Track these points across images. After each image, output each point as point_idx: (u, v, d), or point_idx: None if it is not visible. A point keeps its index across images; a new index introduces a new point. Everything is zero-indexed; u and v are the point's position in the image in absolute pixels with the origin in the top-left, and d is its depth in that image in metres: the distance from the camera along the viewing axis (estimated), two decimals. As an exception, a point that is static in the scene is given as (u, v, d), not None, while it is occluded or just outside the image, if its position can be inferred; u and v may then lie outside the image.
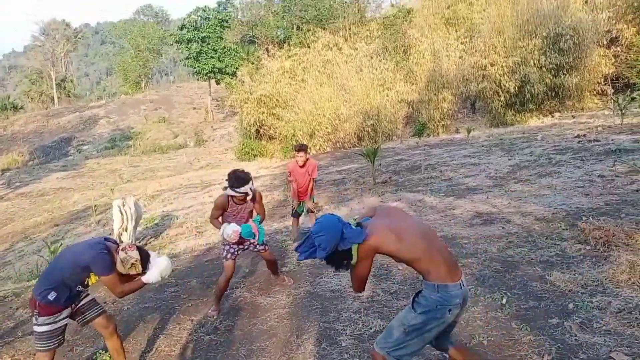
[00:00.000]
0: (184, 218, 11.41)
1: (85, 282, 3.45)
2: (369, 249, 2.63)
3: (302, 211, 7.16)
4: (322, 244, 2.59)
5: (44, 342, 3.38)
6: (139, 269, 3.41)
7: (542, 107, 21.66)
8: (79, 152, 37.21)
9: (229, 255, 4.97)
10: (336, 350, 3.97)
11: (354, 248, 2.61)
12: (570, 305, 4.09)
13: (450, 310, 2.57)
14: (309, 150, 7.24)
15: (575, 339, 3.59)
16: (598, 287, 4.33)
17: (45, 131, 43.62)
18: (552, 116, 20.96)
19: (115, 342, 3.68)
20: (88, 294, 3.63)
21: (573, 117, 19.29)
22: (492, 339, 3.80)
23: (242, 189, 4.63)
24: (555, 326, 3.82)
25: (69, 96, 63.30)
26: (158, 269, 3.49)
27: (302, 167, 6.73)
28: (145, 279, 3.47)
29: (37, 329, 3.37)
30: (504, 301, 4.37)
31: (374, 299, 4.88)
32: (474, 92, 22.27)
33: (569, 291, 4.37)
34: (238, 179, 4.63)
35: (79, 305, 3.55)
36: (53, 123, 45.63)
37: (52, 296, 3.32)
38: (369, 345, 3.96)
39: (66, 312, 3.46)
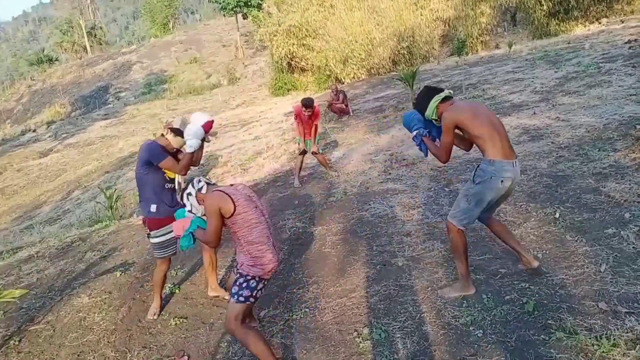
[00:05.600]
0: (227, 157, 11.63)
1: (166, 178, 4.09)
2: (450, 120, 3.25)
3: (309, 147, 7.42)
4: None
5: (159, 251, 4.14)
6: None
7: (588, 13, 20.27)
8: (118, 100, 37.84)
9: None
10: (392, 270, 4.10)
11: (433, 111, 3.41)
12: (627, 215, 4.05)
13: (502, 181, 3.17)
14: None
15: (633, 247, 3.57)
16: (656, 195, 4.25)
17: (83, 81, 44.35)
18: (599, 23, 19.65)
19: (210, 256, 4.31)
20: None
21: (622, 21, 18.04)
22: (547, 252, 3.83)
23: None
24: (611, 236, 3.81)
25: (101, 44, 63.64)
26: (187, 134, 3.94)
27: (309, 116, 7.18)
28: (187, 146, 3.96)
29: (152, 240, 4.12)
30: (557, 215, 4.35)
31: (423, 222, 4.95)
32: (513, 2, 21.01)
33: (625, 201, 4.31)
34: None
35: None
36: (89, 72, 46.27)
37: (152, 208, 4.02)
38: (424, 265, 4.08)
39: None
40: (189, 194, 3.33)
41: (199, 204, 3.32)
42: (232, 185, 3.33)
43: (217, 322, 4.01)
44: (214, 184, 3.43)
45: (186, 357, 3.60)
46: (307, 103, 7.06)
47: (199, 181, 3.35)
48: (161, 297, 4.37)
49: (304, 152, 7.47)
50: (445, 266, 3.97)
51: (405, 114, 3.63)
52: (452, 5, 21.57)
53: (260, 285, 3.21)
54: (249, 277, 3.15)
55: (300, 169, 7.55)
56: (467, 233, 4.18)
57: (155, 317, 4.25)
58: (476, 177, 3.24)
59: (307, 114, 7.12)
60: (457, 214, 3.33)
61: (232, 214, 3.11)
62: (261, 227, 3.20)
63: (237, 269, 3.24)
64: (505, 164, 3.14)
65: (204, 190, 3.30)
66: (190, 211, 3.34)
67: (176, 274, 5.07)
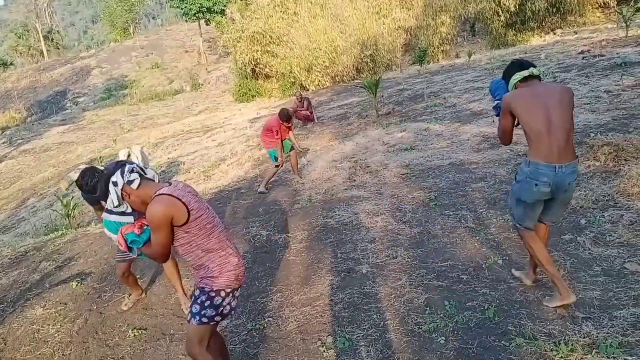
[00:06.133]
0: (190, 164, 11.45)
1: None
2: (505, 104, 3.06)
3: (290, 150, 7.54)
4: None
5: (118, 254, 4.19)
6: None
7: (544, 24, 21.01)
8: (76, 105, 36.77)
9: None
10: (356, 278, 4.10)
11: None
12: (583, 221, 4.18)
13: (536, 185, 2.95)
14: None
15: (589, 253, 3.68)
16: (609, 202, 4.40)
17: (39, 86, 42.94)
18: (554, 33, 20.39)
19: (169, 267, 4.15)
20: None
21: (575, 32, 18.77)
22: (507, 258, 3.91)
23: None
24: (568, 242, 3.92)
25: (58, 48, 61.83)
26: None
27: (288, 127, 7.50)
28: None
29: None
30: (516, 221, 4.44)
31: (387, 229, 4.98)
32: (472, 13, 21.58)
33: (581, 207, 4.44)
34: None
35: None
36: (46, 77, 44.84)
37: None
38: (388, 272, 4.09)
39: None
40: (115, 183, 2.62)
41: (123, 199, 2.66)
42: (170, 184, 2.65)
43: (178, 332, 3.91)
44: (148, 177, 2.74)
45: None
46: (288, 115, 7.28)
47: (131, 171, 2.63)
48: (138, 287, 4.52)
49: (281, 165, 7.48)
50: (409, 273, 3.99)
51: (493, 80, 3.45)
52: (413, 15, 21.98)
53: (228, 300, 2.67)
54: (212, 294, 2.62)
55: (271, 177, 7.52)
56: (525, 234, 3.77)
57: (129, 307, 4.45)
58: (517, 175, 3.11)
59: (288, 125, 7.34)
60: (510, 212, 3.27)
61: (187, 221, 2.52)
62: (218, 231, 2.67)
63: (197, 285, 2.70)
64: (542, 167, 2.89)
65: (134, 185, 2.60)
66: (115, 207, 2.75)
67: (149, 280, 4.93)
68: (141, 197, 2.61)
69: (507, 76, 3.23)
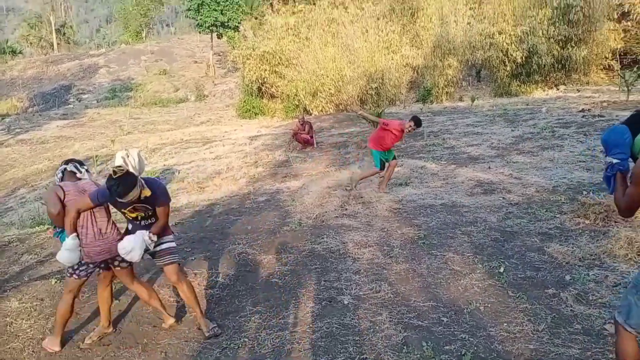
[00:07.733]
0: (185, 173, 11.43)
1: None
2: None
3: (392, 158, 7.67)
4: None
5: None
6: None
7: (548, 79, 21.44)
8: (79, 101, 36.82)
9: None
10: (337, 308, 4.08)
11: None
12: (567, 277, 4.20)
13: None
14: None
15: (571, 310, 3.70)
16: (595, 261, 4.43)
17: (45, 78, 43.02)
18: (557, 89, 20.79)
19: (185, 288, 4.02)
20: (162, 243, 3.94)
21: (578, 90, 19.15)
22: (489, 305, 3.91)
23: None
24: (551, 296, 3.93)
25: (69, 43, 62.23)
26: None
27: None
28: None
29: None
30: (501, 270, 4.47)
31: (373, 262, 4.98)
32: (480, 60, 21.96)
33: (567, 263, 4.47)
34: None
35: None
36: (52, 70, 44.97)
37: None
38: (369, 305, 4.08)
39: None
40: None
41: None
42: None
43: (151, 342, 3.86)
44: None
45: None
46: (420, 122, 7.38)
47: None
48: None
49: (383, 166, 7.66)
50: (390, 309, 3.98)
51: (612, 129, 2.41)
52: (422, 54, 22.32)
53: None
54: None
55: (366, 177, 7.93)
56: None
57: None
58: None
59: (411, 131, 7.44)
60: (620, 306, 2.44)
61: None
62: None
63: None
64: None
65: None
66: None
67: (121, 287, 4.87)
68: None
69: (634, 126, 2.33)
